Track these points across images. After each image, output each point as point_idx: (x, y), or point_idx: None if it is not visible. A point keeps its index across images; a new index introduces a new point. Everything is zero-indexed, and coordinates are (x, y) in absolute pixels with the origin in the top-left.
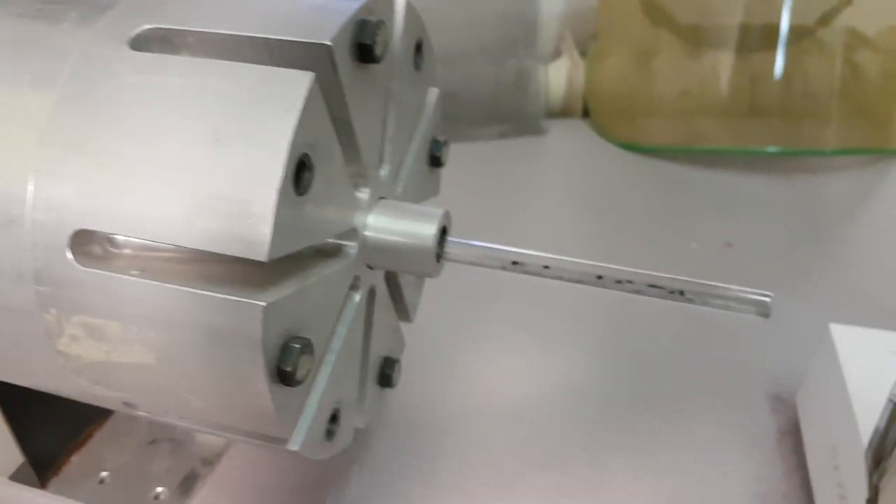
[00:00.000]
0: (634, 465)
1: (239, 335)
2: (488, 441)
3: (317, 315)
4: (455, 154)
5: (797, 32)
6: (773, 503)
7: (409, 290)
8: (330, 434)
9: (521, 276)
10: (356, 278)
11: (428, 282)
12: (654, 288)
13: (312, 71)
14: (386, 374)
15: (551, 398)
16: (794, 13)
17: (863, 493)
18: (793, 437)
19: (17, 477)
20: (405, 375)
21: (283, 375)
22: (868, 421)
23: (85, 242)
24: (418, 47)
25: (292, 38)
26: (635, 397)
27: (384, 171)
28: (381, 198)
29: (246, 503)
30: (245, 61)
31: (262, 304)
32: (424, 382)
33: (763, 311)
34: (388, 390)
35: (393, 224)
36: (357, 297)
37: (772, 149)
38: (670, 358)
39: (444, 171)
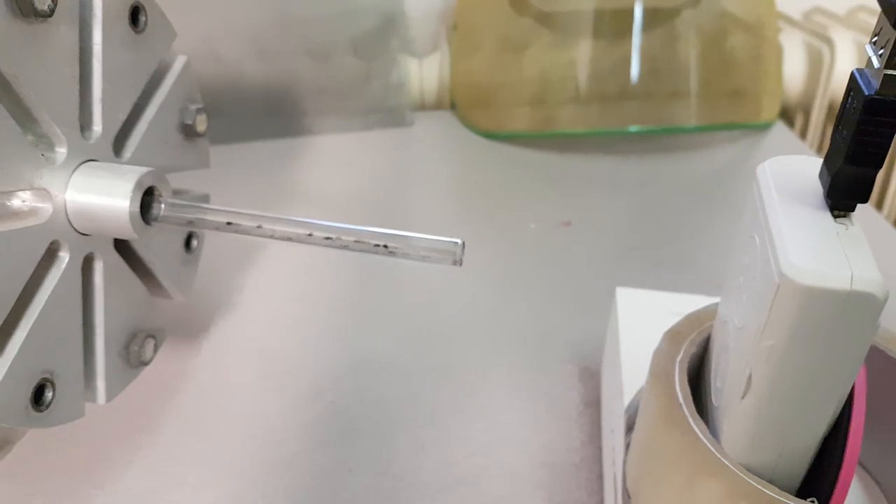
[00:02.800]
0: (423, 438)
1: None
2: (278, 420)
3: None
4: (325, 146)
5: (657, 16)
6: (563, 472)
7: (169, 266)
8: (39, 404)
9: (317, 249)
10: (55, 242)
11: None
12: (360, 243)
13: None
14: (133, 349)
15: (351, 375)
16: None
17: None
18: (595, 408)
19: None
20: (195, 355)
21: None
22: (635, 384)
23: None
24: (134, 11)
25: None
26: (433, 372)
27: (93, 134)
28: (91, 160)
29: None
30: None
31: None
32: (218, 359)
33: (455, 259)
34: (139, 369)
35: (90, 184)
36: (63, 263)
37: (633, 128)
38: (481, 331)
39: (317, 161)
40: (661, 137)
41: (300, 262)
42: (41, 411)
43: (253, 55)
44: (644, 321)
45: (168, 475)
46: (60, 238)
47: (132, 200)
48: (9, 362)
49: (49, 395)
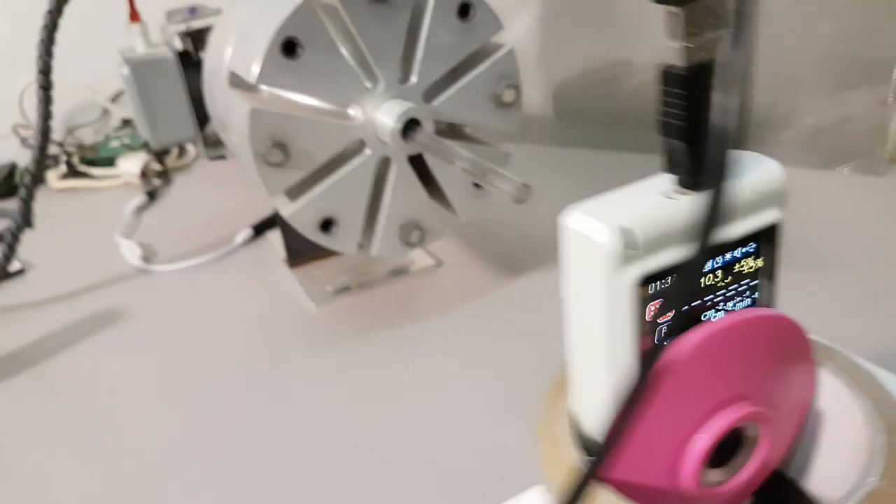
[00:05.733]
0: None
1: None
2: None
3: (309, 142)
4: None
5: None
6: None
7: (456, 190)
8: (325, 231)
9: None
10: (361, 141)
11: None
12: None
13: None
14: (404, 231)
15: None
16: None
17: None
18: None
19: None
20: None
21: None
22: None
23: None
24: (463, 6)
25: None
26: None
27: (409, 82)
28: (400, 99)
29: None
30: None
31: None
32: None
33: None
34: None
35: (388, 108)
36: (364, 156)
37: None
38: None
39: None
40: None
41: None
42: (327, 234)
43: None
44: None
45: None
46: (366, 139)
47: (396, 121)
48: (309, 199)
49: (334, 228)
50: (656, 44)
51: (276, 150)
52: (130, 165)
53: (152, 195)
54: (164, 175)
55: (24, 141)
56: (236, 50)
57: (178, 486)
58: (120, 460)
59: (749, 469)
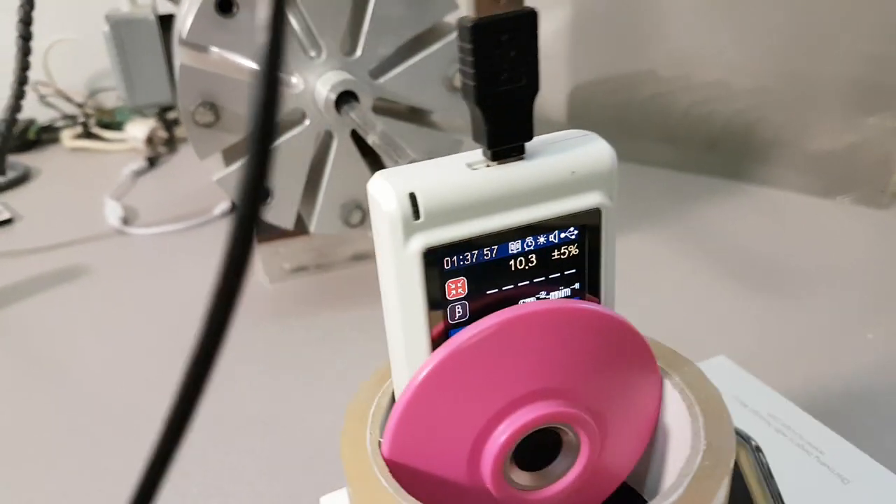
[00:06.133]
0: None
1: None
2: None
3: (241, 105)
4: (769, 199)
5: None
6: None
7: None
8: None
9: None
10: (301, 111)
11: None
12: None
13: None
14: (345, 210)
15: None
16: None
17: None
18: None
19: None
20: None
21: None
22: None
23: None
24: None
25: None
26: None
27: (354, 55)
28: (343, 71)
29: None
30: None
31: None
32: None
33: None
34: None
35: (327, 79)
36: (304, 126)
37: None
38: None
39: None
40: None
41: None
42: (264, 206)
43: (742, 90)
44: None
45: None
46: (306, 109)
47: (331, 90)
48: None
49: (269, 199)
50: (676, 54)
51: (205, 109)
52: (137, 130)
53: (153, 161)
54: (171, 143)
55: (42, 98)
56: (185, 8)
57: (111, 431)
58: (62, 405)
59: (569, 478)
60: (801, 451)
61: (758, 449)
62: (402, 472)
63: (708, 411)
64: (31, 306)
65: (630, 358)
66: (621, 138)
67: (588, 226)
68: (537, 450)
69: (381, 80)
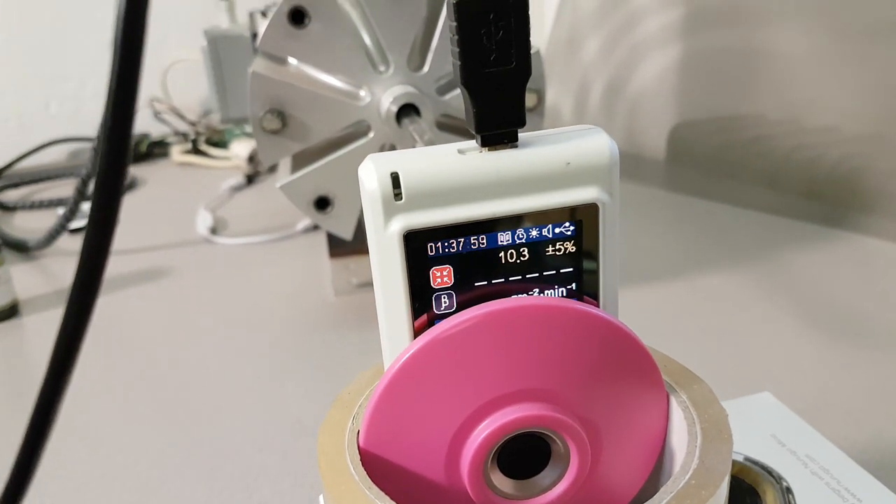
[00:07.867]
0: None
1: None
2: None
3: (308, 114)
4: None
5: None
6: None
7: None
8: (320, 206)
9: None
10: (365, 122)
11: None
12: None
13: None
14: None
15: None
16: None
17: None
18: None
19: None
20: None
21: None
22: None
23: None
24: None
25: None
26: None
27: (421, 72)
28: (408, 85)
29: None
30: None
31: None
32: None
33: None
34: None
35: (393, 92)
36: (368, 139)
37: None
38: None
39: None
40: None
41: None
42: (321, 213)
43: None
44: None
45: None
46: (371, 122)
47: (392, 102)
48: (305, 173)
49: (329, 208)
50: (786, 97)
51: (272, 116)
52: (241, 149)
53: (251, 179)
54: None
55: (156, 114)
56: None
57: (183, 412)
58: (138, 392)
59: (557, 492)
60: (836, 497)
61: (788, 490)
62: (377, 464)
63: (709, 431)
64: (119, 300)
65: (630, 369)
66: (720, 178)
67: (584, 222)
68: (524, 457)
69: (447, 96)
